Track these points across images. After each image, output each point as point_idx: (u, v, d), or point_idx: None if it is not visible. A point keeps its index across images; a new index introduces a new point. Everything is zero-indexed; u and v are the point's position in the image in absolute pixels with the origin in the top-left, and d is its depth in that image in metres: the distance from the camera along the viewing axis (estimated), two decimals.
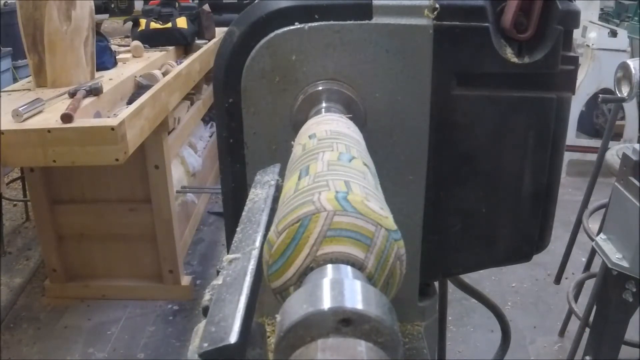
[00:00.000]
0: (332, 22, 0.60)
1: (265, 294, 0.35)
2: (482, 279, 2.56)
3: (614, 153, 1.96)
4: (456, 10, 0.61)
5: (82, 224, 2.32)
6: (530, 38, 0.62)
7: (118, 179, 2.25)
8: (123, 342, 2.18)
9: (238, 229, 0.42)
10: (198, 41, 3.23)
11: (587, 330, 1.65)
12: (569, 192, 3.33)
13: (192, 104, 2.80)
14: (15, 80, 3.61)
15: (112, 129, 1.67)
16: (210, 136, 3.30)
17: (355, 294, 0.28)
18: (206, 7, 3.35)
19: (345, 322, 0.26)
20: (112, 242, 2.37)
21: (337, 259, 0.32)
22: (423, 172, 0.65)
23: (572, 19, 0.63)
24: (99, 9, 2.82)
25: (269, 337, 0.66)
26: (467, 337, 2.27)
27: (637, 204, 1.23)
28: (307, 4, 0.61)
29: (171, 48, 3.01)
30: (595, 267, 1.86)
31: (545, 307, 2.49)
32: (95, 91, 1.99)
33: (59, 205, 2.30)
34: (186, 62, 2.66)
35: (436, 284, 0.79)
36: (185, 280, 2.43)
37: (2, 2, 3.75)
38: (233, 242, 0.40)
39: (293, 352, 0.27)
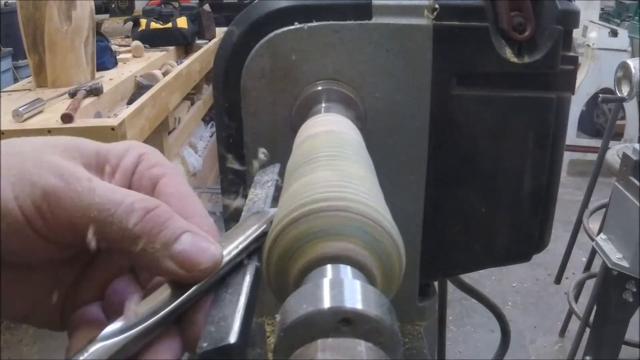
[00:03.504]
0: (332, 22, 0.60)
1: (265, 294, 0.35)
2: (483, 278, 2.57)
3: (615, 153, 1.96)
4: (456, 10, 0.61)
5: None
6: (530, 38, 0.62)
7: None
8: None
9: None
10: (198, 41, 3.23)
11: (588, 330, 1.65)
12: (569, 192, 3.33)
13: (192, 103, 2.81)
14: (15, 80, 3.61)
15: (113, 129, 1.68)
16: (211, 136, 3.31)
17: (355, 294, 0.28)
18: (206, 6, 3.36)
19: (345, 322, 0.26)
20: None
21: (337, 259, 0.32)
22: (423, 172, 0.65)
23: (571, 19, 0.63)
24: (99, 9, 2.82)
25: (269, 337, 0.66)
26: (467, 337, 2.27)
27: (638, 204, 1.23)
28: (307, 4, 0.61)
29: (171, 48, 3.01)
30: (596, 267, 1.86)
31: (546, 307, 2.50)
32: (95, 91, 1.99)
33: None
34: (186, 62, 2.67)
35: (436, 283, 0.79)
36: None
37: (3, 2, 3.75)
38: None
39: (293, 352, 0.27)
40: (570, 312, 2.19)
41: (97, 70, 2.29)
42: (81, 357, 0.29)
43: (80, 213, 0.29)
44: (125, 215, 0.30)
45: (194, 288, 0.31)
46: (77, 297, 0.34)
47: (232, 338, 0.28)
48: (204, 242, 0.32)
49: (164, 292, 0.31)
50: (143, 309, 0.30)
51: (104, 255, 0.34)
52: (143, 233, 0.30)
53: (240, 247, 0.34)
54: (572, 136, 3.59)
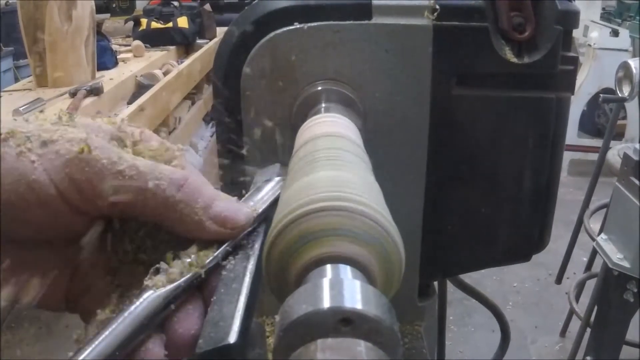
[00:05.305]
0: (332, 22, 0.60)
1: (265, 294, 0.35)
2: (484, 278, 2.56)
3: (616, 153, 1.96)
4: (456, 10, 0.61)
5: None
6: (530, 38, 0.62)
7: None
8: None
9: None
10: (199, 41, 3.23)
11: (589, 330, 1.65)
12: (570, 192, 3.33)
13: (193, 103, 2.81)
14: (16, 80, 3.61)
15: None
16: (212, 136, 3.31)
17: (355, 294, 0.28)
18: (207, 6, 3.36)
19: (345, 322, 0.26)
20: None
21: (337, 259, 0.32)
22: (423, 172, 0.65)
23: (571, 19, 0.63)
24: (100, 9, 2.82)
25: (268, 337, 0.66)
26: (468, 337, 2.27)
27: (638, 204, 1.23)
28: (307, 4, 0.61)
29: (172, 48, 3.01)
30: (597, 267, 1.86)
31: (547, 307, 2.49)
32: (96, 91, 1.99)
33: None
34: (187, 61, 2.67)
35: (436, 283, 0.79)
36: None
37: (3, 1, 3.75)
38: None
39: (292, 352, 0.27)
40: (571, 312, 2.19)
41: (98, 69, 2.29)
42: (137, 301, 0.31)
43: (121, 185, 0.31)
44: (166, 184, 0.32)
45: (223, 246, 0.34)
46: (85, 276, 0.35)
47: (232, 338, 0.28)
48: (236, 204, 0.36)
49: (193, 253, 0.34)
50: (178, 266, 0.33)
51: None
52: (184, 199, 0.33)
53: (259, 210, 0.37)
54: (573, 136, 3.58)
